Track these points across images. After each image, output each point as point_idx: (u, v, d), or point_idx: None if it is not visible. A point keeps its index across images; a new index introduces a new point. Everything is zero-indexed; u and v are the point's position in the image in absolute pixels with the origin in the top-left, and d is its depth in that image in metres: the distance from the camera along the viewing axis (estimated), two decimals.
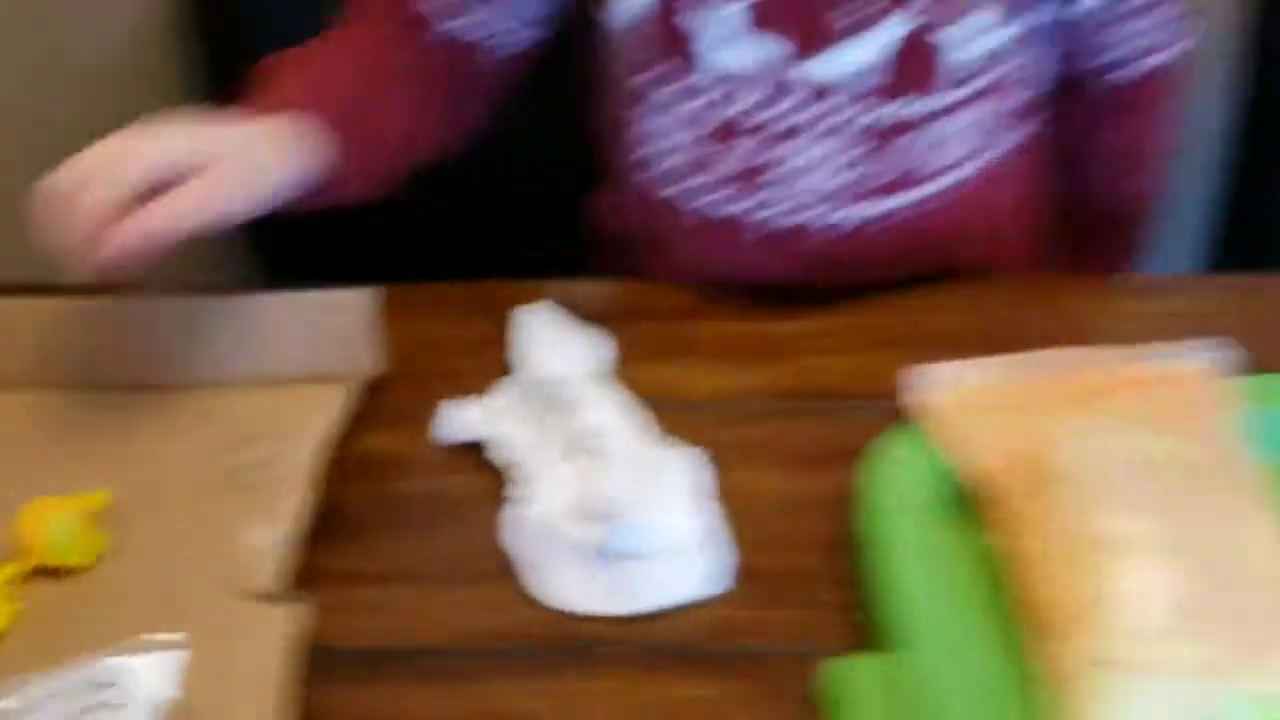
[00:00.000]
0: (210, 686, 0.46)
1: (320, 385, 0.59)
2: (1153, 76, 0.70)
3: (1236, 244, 0.97)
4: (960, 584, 0.49)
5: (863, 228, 0.66)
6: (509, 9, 0.69)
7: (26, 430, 0.59)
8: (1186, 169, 0.84)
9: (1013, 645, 0.46)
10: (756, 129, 0.65)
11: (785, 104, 0.64)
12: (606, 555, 0.50)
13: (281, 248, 0.80)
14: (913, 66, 0.62)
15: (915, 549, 0.50)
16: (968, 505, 0.52)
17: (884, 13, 0.61)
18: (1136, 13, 0.67)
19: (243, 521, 0.52)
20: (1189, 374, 0.54)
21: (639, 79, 0.67)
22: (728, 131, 0.65)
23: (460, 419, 0.58)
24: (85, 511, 0.53)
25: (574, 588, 0.51)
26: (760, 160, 0.65)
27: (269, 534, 0.52)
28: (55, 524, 0.51)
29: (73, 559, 0.52)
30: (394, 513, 0.56)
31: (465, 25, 0.69)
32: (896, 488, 0.52)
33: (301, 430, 0.56)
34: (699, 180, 0.67)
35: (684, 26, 0.63)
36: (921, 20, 0.61)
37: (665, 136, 0.68)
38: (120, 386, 0.61)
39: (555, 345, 0.59)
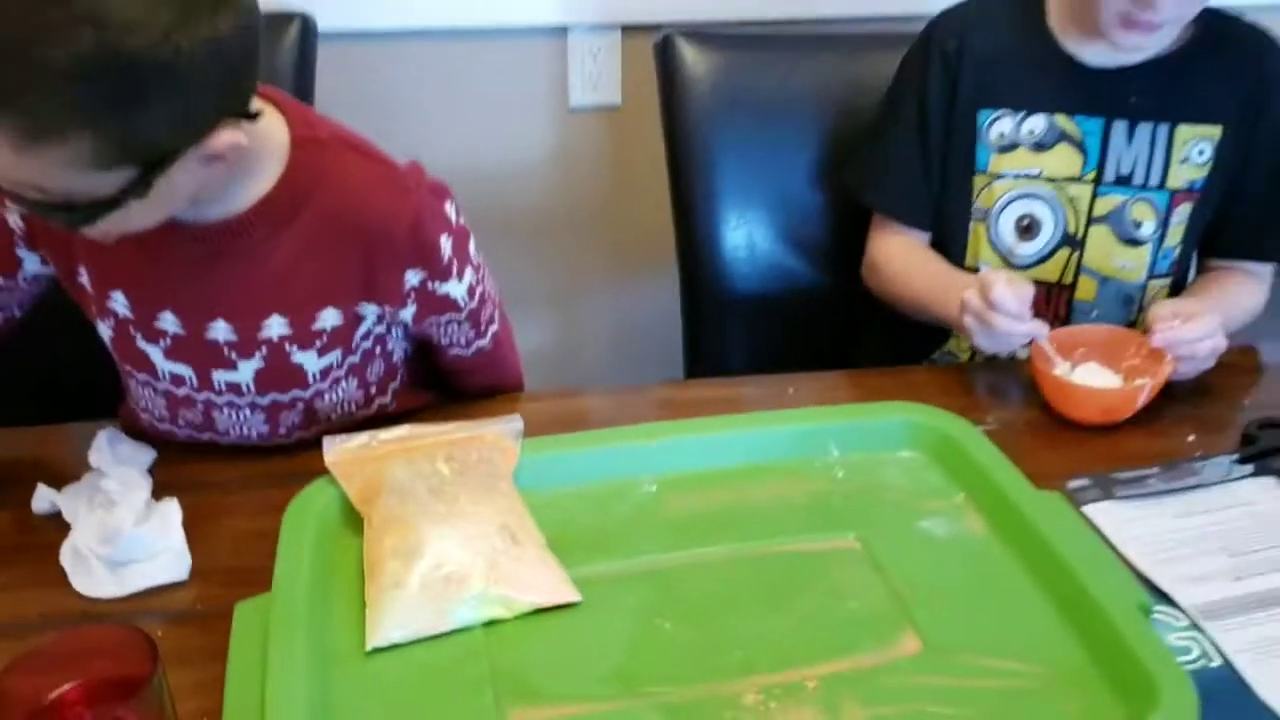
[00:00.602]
0: None
1: None
2: (473, 356, 1.08)
3: None
4: (330, 563, 0.83)
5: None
6: (10, 307, 1.00)
7: None
8: None
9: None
10: (192, 403, 1.00)
11: (205, 395, 0.99)
12: (112, 562, 0.82)
13: None
14: (283, 377, 0.98)
15: (308, 542, 0.83)
16: (351, 516, 0.87)
17: (257, 344, 0.95)
18: (446, 324, 1.03)
19: None
20: (487, 435, 0.91)
21: (126, 366, 1.01)
22: (180, 402, 1.00)
23: (43, 501, 0.90)
24: None
25: (97, 584, 0.82)
26: (194, 417, 1.00)
27: None
28: None
29: None
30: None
31: None
32: (309, 507, 0.86)
33: None
34: (166, 425, 1.02)
35: (142, 349, 0.97)
36: (283, 347, 0.96)
37: (148, 400, 1.01)
38: None
39: (104, 452, 0.93)
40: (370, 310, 0.98)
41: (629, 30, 1.67)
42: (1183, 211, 1.18)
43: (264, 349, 0.96)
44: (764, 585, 0.84)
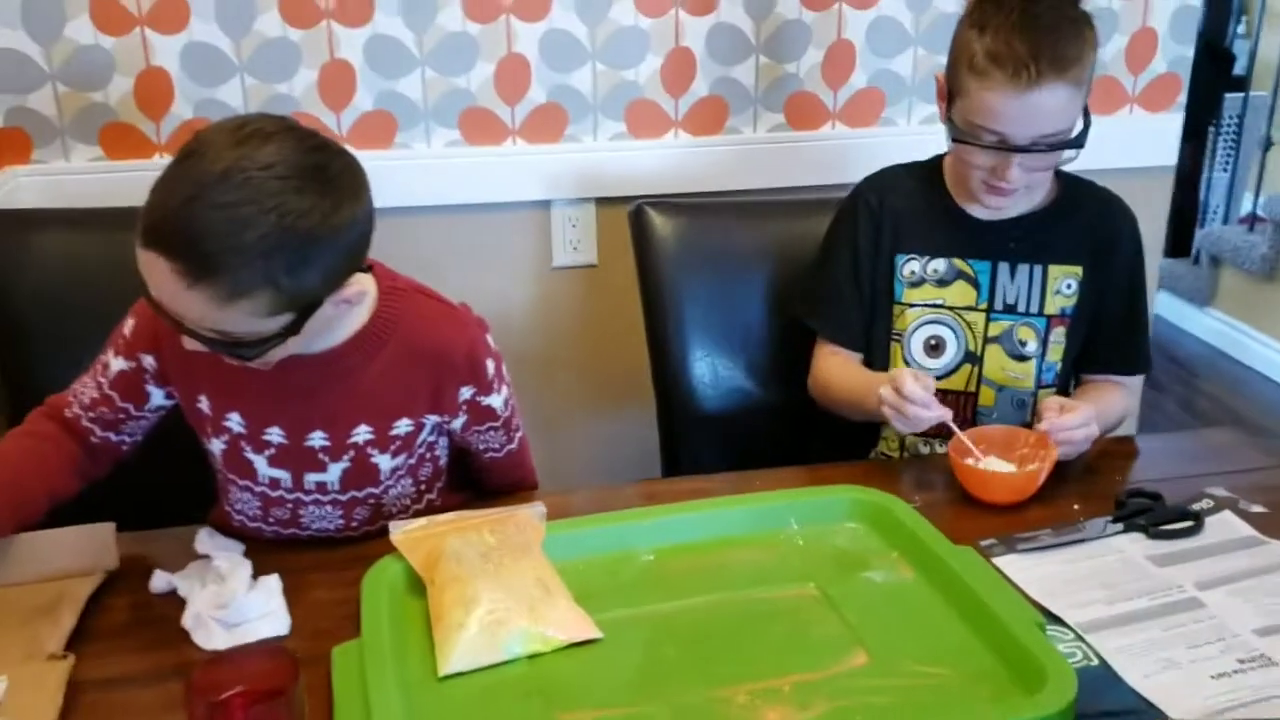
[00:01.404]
0: (16, 698, 0.95)
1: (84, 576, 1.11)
2: (504, 458, 1.33)
3: None
4: (403, 616, 1.05)
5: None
6: (136, 433, 1.26)
7: None
8: None
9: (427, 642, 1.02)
10: (288, 502, 1.23)
11: (296, 494, 1.23)
12: (226, 623, 1.04)
13: None
14: (362, 476, 1.22)
15: (385, 602, 1.05)
16: (414, 583, 1.09)
17: (345, 449, 1.20)
18: (485, 431, 1.28)
19: (33, 628, 1.02)
20: (519, 516, 1.15)
21: (230, 475, 1.24)
22: (273, 502, 1.24)
23: (160, 582, 1.12)
24: None
25: (215, 640, 1.04)
26: (283, 514, 1.24)
27: (55, 632, 1.02)
28: None
29: None
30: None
31: (109, 435, 1.25)
32: (382, 576, 1.08)
33: (73, 592, 1.08)
34: (256, 524, 1.26)
35: (249, 458, 1.22)
36: (366, 451, 1.21)
37: (243, 503, 1.25)
38: None
39: (206, 543, 1.15)
40: (431, 420, 1.23)
41: (601, 202, 1.98)
42: (1059, 333, 1.47)
43: (351, 452, 1.20)
44: (744, 621, 1.07)
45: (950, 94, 1.39)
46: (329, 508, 1.24)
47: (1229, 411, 3.70)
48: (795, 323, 1.56)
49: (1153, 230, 2.25)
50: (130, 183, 1.79)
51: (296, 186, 1.00)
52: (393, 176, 1.88)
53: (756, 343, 1.66)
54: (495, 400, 1.26)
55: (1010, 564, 1.17)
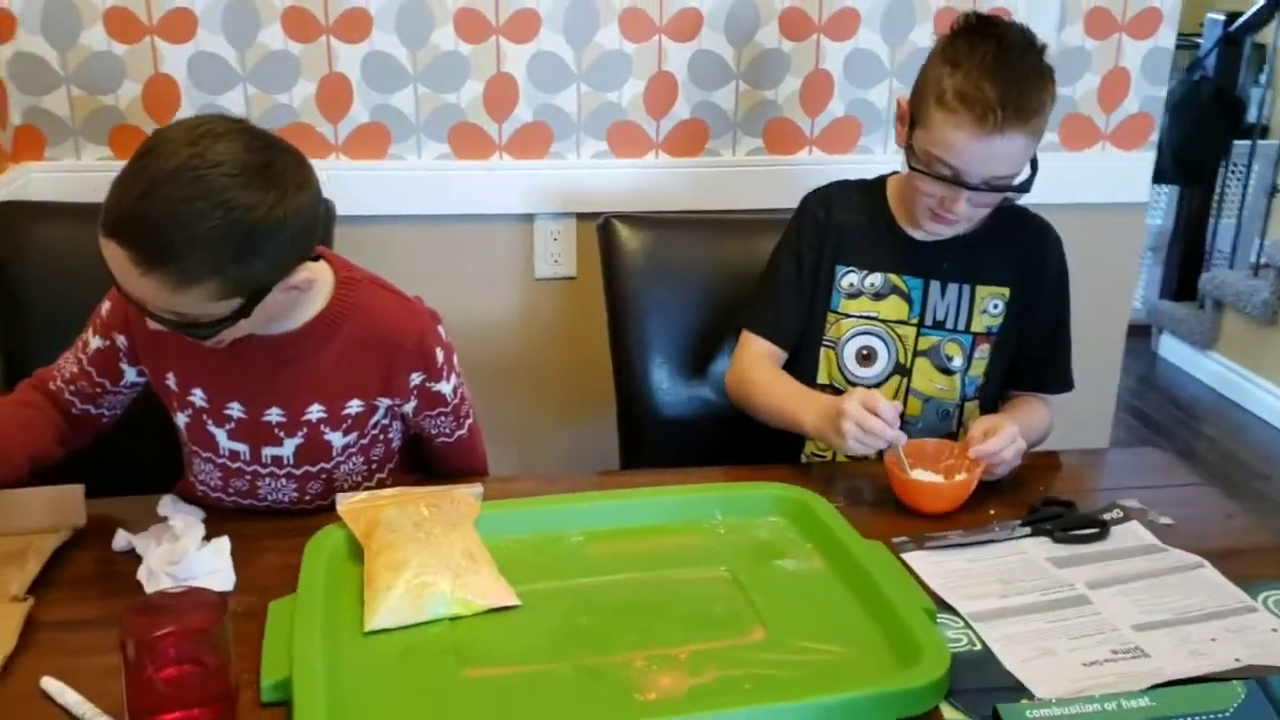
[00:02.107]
0: None
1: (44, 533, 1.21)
2: (455, 443, 1.43)
3: None
4: (340, 577, 1.14)
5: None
6: (115, 407, 1.37)
7: None
8: None
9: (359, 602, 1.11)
10: (246, 473, 1.33)
11: (254, 467, 1.33)
12: (177, 577, 1.13)
13: None
14: (315, 452, 1.32)
15: (323, 564, 1.14)
16: (354, 550, 1.17)
17: (300, 425, 1.30)
18: (436, 416, 1.38)
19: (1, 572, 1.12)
20: (456, 494, 1.24)
21: (194, 447, 1.35)
22: (233, 474, 1.34)
23: (121, 541, 1.21)
24: None
25: None
26: (242, 486, 1.34)
27: (19, 577, 1.11)
28: None
29: None
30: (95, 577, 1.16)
31: (89, 408, 1.35)
32: (324, 540, 1.17)
33: (40, 543, 1.17)
34: (218, 494, 1.35)
35: (211, 431, 1.32)
36: (319, 428, 1.31)
37: (206, 474, 1.35)
38: None
39: (168, 508, 1.24)
40: (384, 403, 1.32)
41: (582, 217, 2.07)
42: (984, 350, 1.54)
43: (305, 429, 1.30)
44: (654, 597, 1.15)
45: (912, 121, 1.46)
46: (284, 480, 1.33)
47: (1227, 455, 3.73)
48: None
49: (1127, 266, 2.33)
50: None
51: (244, 182, 1.09)
52: (385, 186, 1.99)
53: (714, 352, 1.74)
54: (444, 387, 1.35)
55: (917, 559, 1.24)
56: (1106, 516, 1.32)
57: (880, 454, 1.40)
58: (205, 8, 1.87)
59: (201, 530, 1.21)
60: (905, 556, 1.24)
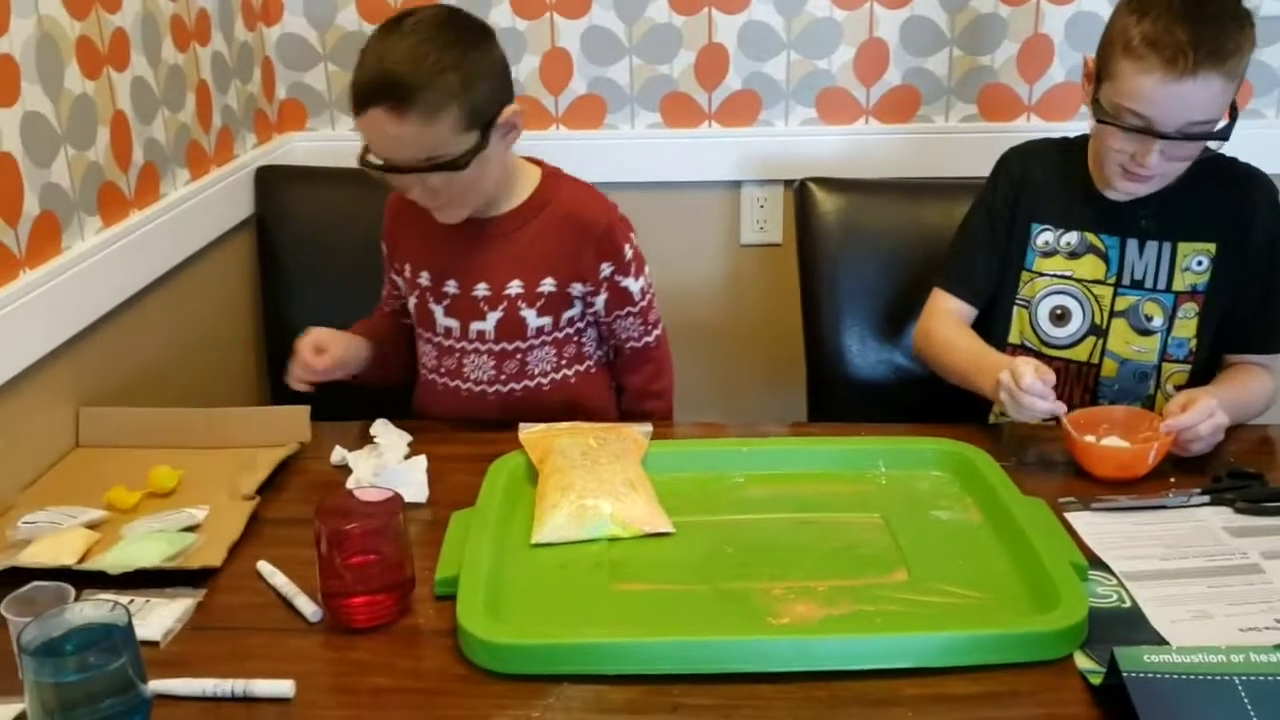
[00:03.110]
0: (214, 521, 1.22)
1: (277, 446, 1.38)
2: (643, 350, 1.55)
3: None
4: (516, 496, 1.25)
5: (509, 396, 1.50)
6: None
7: (153, 456, 1.37)
8: None
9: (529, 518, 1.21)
10: (456, 350, 1.50)
11: (462, 344, 1.50)
12: (379, 486, 1.27)
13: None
14: (513, 328, 1.48)
15: (501, 484, 1.25)
16: (532, 473, 1.28)
17: (501, 300, 1.47)
18: (625, 316, 1.52)
19: (237, 476, 1.30)
20: (625, 430, 1.32)
21: (420, 330, 1.53)
22: (445, 351, 1.51)
23: (337, 456, 1.37)
24: (172, 471, 1.31)
25: None
26: (451, 364, 1.50)
27: (250, 480, 1.29)
28: (164, 473, 1.29)
29: (169, 484, 1.29)
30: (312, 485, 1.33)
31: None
32: (504, 465, 1.28)
33: (270, 454, 1.35)
34: (432, 375, 1.53)
35: (432, 309, 1.50)
36: (517, 304, 1.47)
37: (426, 355, 1.54)
38: (192, 446, 1.40)
39: (379, 429, 1.39)
40: (576, 289, 1.48)
41: (789, 184, 2.11)
42: (1188, 309, 1.47)
43: (505, 304, 1.48)
44: (803, 535, 1.20)
45: (1099, 76, 1.43)
46: (485, 357, 1.50)
47: None
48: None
49: None
50: None
51: (451, 22, 1.35)
52: (601, 155, 2.10)
53: (905, 316, 1.74)
54: (632, 284, 1.51)
55: (1080, 519, 1.22)
56: None
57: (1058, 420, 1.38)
58: None
59: (405, 449, 1.35)
60: (1069, 515, 1.23)
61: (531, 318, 1.48)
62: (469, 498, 1.24)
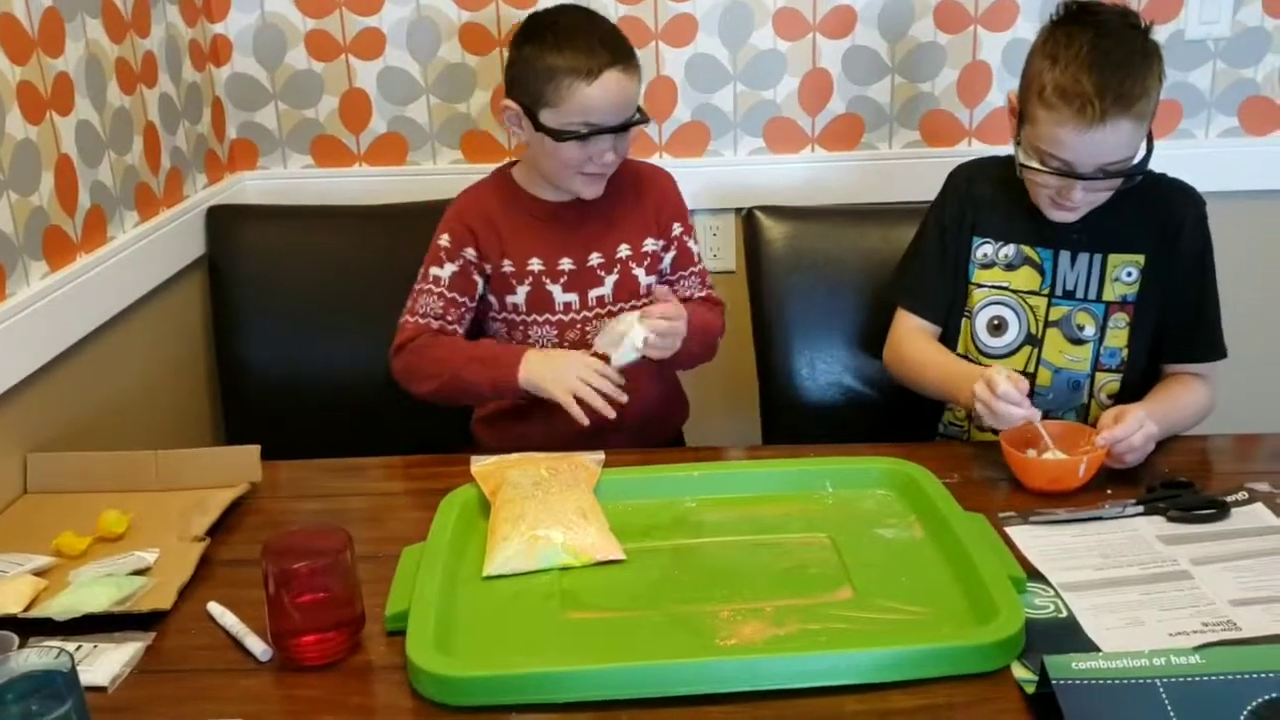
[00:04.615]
0: (164, 563, 1.22)
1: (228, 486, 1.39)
2: (705, 297, 1.69)
3: None
4: (468, 530, 1.26)
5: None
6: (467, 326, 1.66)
7: (102, 500, 1.37)
8: None
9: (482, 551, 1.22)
10: (577, 322, 1.63)
11: (583, 314, 1.62)
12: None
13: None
14: (627, 288, 1.62)
15: (453, 518, 1.26)
16: (484, 506, 1.29)
17: (614, 263, 1.62)
18: (688, 275, 1.69)
19: (188, 517, 1.30)
20: (577, 459, 1.34)
21: (532, 316, 1.63)
22: (567, 326, 1.63)
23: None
24: (122, 515, 1.31)
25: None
26: (575, 337, 1.63)
27: (200, 521, 1.29)
28: (113, 518, 1.29)
29: (118, 529, 1.29)
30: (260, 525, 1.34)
31: (459, 328, 1.64)
32: (456, 498, 1.30)
33: (221, 495, 1.35)
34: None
35: (549, 290, 1.61)
36: (629, 265, 1.62)
37: (541, 338, 1.63)
38: (142, 489, 1.40)
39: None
40: (660, 244, 1.65)
41: (739, 212, 2.14)
42: (1119, 319, 1.51)
43: (618, 266, 1.64)
44: (751, 557, 1.22)
45: (1021, 116, 1.47)
46: (607, 319, 1.59)
47: None
48: (890, 314, 1.66)
49: None
50: (334, 187, 2.14)
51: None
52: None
53: (853, 338, 1.78)
54: (694, 247, 1.70)
55: (1019, 532, 1.25)
56: (1229, 498, 1.28)
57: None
58: (391, 26, 2.07)
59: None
60: (1008, 529, 1.26)
61: (641, 276, 1.64)
62: (420, 533, 1.25)
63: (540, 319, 1.63)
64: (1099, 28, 1.39)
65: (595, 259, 1.62)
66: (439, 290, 1.62)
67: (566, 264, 1.61)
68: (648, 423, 1.64)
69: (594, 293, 1.62)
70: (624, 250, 1.62)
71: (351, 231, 2.01)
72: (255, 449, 1.42)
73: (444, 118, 2.12)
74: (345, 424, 1.84)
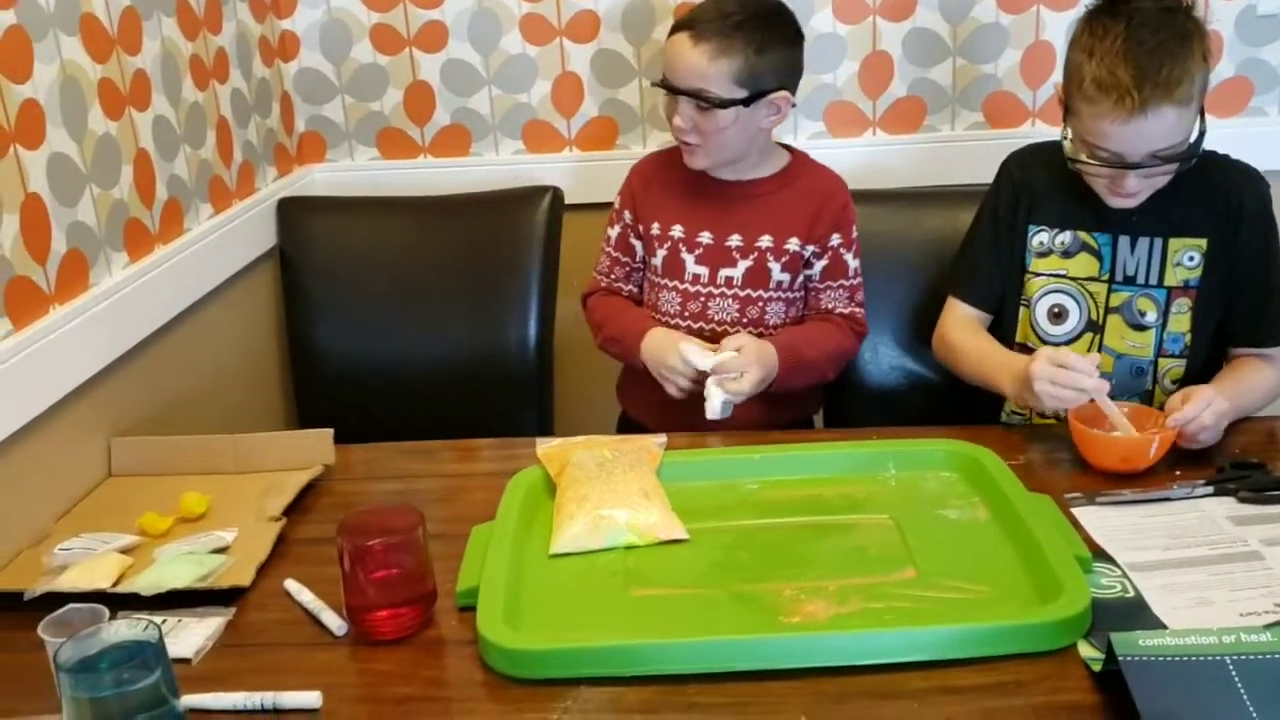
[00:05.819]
0: (243, 542, 1.26)
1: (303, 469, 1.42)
2: (848, 315, 1.68)
3: None
4: (535, 509, 1.28)
5: None
6: (639, 284, 1.76)
7: (183, 482, 1.42)
8: None
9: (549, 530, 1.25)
10: (702, 295, 1.67)
11: (709, 289, 1.66)
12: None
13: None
14: (758, 277, 1.64)
15: (519, 498, 1.29)
16: (550, 487, 1.32)
17: (752, 250, 1.64)
18: (837, 287, 1.66)
19: (264, 499, 1.34)
20: (640, 441, 1.36)
21: (665, 280, 1.69)
22: (690, 297, 1.68)
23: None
24: (202, 496, 1.35)
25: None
26: (696, 308, 1.68)
27: (277, 502, 1.33)
28: (194, 499, 1.34)
29: (199, 509, 1.34)
30: (335, 505, 1.37)
31: (632, 288, 1.75)
32: (523, 479, 1.32)
33: (296, 477, 1.39)
34: (674, 320, 1.69)
35: (683, 258, 1.67)
36: (765, 256, 1.63)
37: (667, 302, 1.69)
38: (220, 472, 1.45)
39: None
40: (809, 250, 1.66)
41: None
42: (1182, 304, 1.49)
43: (755, 254, 1.66)
44: (814, 538, 1.23)
45: (1066, 108, 1.46)
46: (730, 301, 1.67)
47: None
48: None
49: None
50: (400, 178, 2.17)
51: (772, 5, 1.59)
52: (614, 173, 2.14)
53: (915, 322, 1.77)
54: (851, 260, 1.68)
55: (1086, 513, 1.25)
56: None
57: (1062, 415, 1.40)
58: (454, 19, 2.10)
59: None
60: (1074, 510, 1.25)
61: (775, 270, 1.65)
62: (489, 513, 1.28)
63: (670, 284, 1.69)
64: (1132, 15, 1.36)
65: (734, 240, 1.65)
66: (608, 250, 1.76)
67: (705, 237, 1.66)
68: (773, 406, 1.64)
69: (724, 272, 1.66)
70: (765, 240, 1.64)
71: (417, 221, 2.05)
72: (329, 432, 1.46)
73: (505, 108, 2.15)
74: (413, 409, 1.87)
